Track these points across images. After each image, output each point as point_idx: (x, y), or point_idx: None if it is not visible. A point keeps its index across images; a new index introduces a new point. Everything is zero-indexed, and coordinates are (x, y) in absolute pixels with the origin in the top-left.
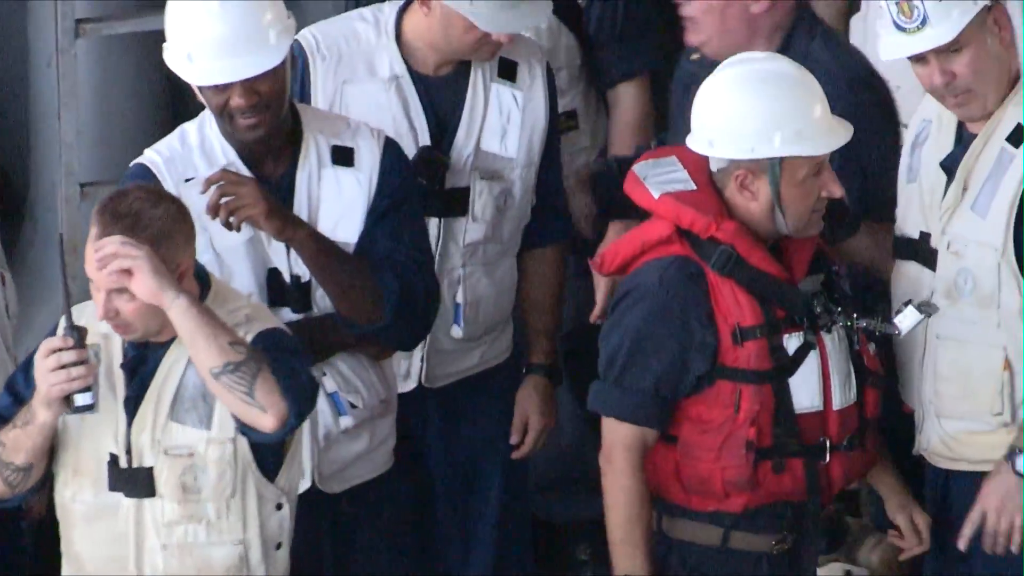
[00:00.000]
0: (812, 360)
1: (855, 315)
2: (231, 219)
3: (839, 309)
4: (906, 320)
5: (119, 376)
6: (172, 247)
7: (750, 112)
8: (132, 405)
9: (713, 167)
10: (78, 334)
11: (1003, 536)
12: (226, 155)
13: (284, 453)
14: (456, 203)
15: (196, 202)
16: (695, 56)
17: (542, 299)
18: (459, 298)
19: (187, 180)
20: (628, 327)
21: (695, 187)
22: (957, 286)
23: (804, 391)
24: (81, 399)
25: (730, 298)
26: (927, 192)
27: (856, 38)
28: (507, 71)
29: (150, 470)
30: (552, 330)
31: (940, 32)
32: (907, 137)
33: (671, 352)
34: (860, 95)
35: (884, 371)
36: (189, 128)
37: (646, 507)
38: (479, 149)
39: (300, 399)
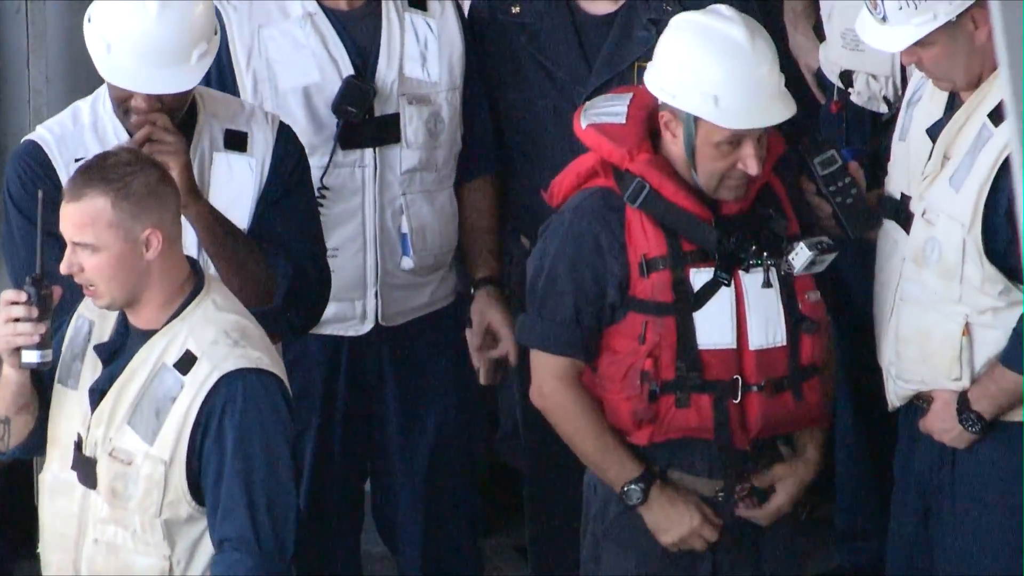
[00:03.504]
0: (724, 297)
1: (764, 253)
2: None
3: (753, 248)
4: (798, 258)
5: (94, 360)
6: (141, 208)
7: (686, 62)
8: (96, 397)
9: (659, 99)
10: (36, 291)
11: None
12: (118, 136)
13: None
14: (388, 130)
15: None
16: (516, 10)
17: (479, 223)
18: (404, 227)
19: (77, 160)
20: (545, 256)
21: (624, 121)
22: (925, 254)
23: (712, 327)
24: (27, 356)
25: (639, 230)
26: (913, 155)
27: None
28: (417, 2)
29: (96, 463)
30: (492, 249)
31: (897, 36)
32: (906, 94)
33: (586, 280)
34: None
35: (843, 321)
36: (82, 106)
37: (600, 415)
38: (403, 75)
39: None
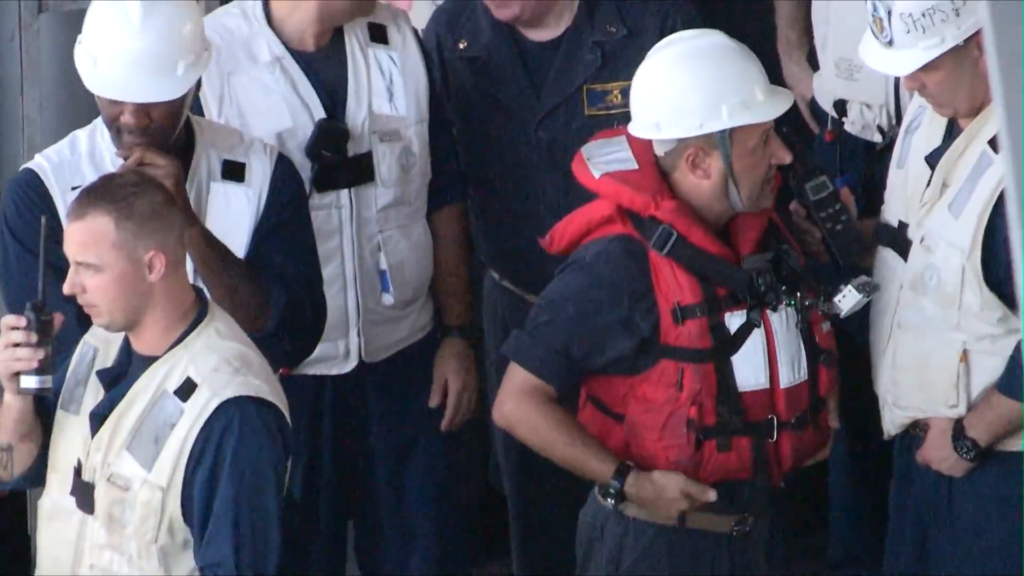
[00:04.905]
0: (756, 338)
1: (798, 294)
2: None
3: (784, 287)
4: (846, 301)
5: (97, 385)
6: (144, 229)
7: (693, 88)
8: (96, 422)
9: (659, 151)
10: (36, 317)
11: None
12: (115, 165)
13: None
14: (362, 170)
15: None
16: (462, 45)
17: (448, 262)
18: (383, 264)
19: (74, 188)
20: (557, 290)
21: (637, 167)
22: (923, 280)
23: (748, 369)
24: (26, 381)
25: (670, 277)
26: (911, 182)
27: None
28: (378, 35)
29: (94, 488)
30: (461, 292)
31: (903, 60)
32: (903, 121)
33: (591, 319)
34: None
35: (837, 349)
36: (80, 135)
37: (566, 422)
38: (372, 112)
39: None
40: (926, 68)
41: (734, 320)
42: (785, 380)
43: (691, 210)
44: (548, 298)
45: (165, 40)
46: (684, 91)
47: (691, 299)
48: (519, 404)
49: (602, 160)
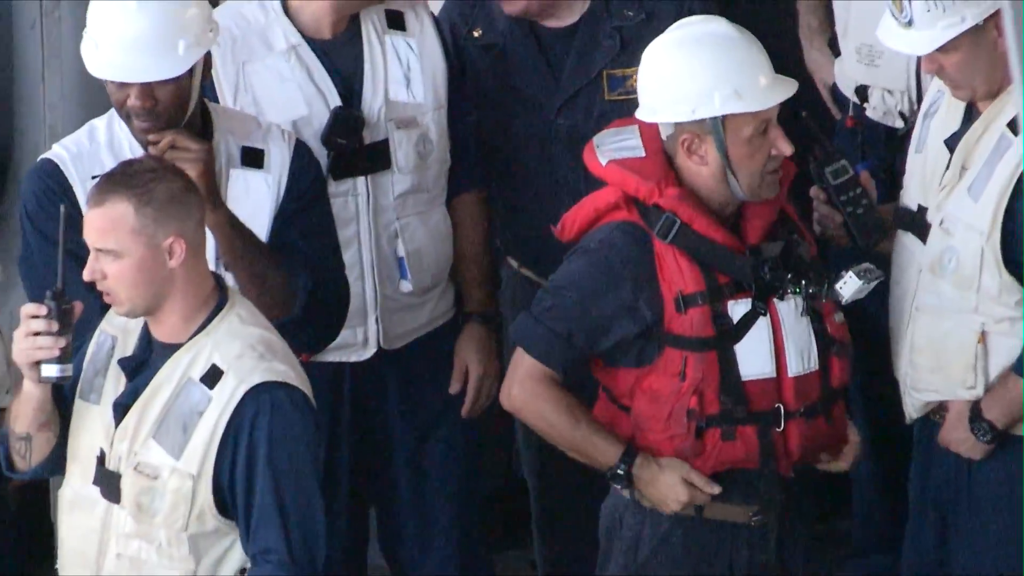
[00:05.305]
0: (762, 327)
1: (803, 282)
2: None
3: (789, 276)
4: (847, 287)
5: (117, 374)
6: (164, 214)
7: (688, 74)
8: (120, 411)
9: (663, 134)
10: (56, 305)
11: None
12: (133, 152)
13: None
14: (379, 157)
15: None
16: (477, 33)
17: (469, 249)
18: (400, 251)
19: (93, 177)
20: (562, 275)
21: (644, 154)
22: (942, 263)
23: (754, 358)
24: (47, 370)
25: (673, 265)
26: (930, 166)
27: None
28: (395, 22)
29: (120, 478)
30: (482, 278)
31: (922, 40)
32: (922, 106)
33: (594, 305)
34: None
35: (860, 335)
36: (98, 124)
37: (570, 407)
38: (389, 100)
39: None
40: (945, 49)
41: (738, 308)
42: (794, 369)
43: (696, 197)
44: (553, 283)
45: (163, 20)
46: (680, 76)
47: (693, 287)
48: (524, 389)
49: (610, 147)
